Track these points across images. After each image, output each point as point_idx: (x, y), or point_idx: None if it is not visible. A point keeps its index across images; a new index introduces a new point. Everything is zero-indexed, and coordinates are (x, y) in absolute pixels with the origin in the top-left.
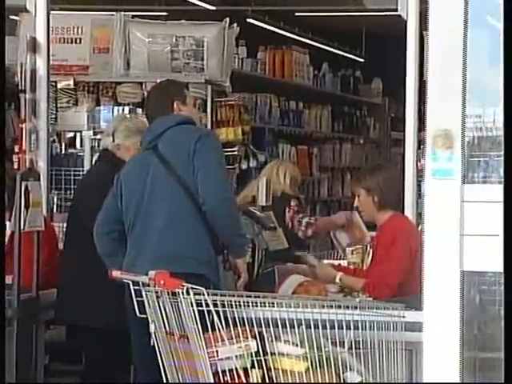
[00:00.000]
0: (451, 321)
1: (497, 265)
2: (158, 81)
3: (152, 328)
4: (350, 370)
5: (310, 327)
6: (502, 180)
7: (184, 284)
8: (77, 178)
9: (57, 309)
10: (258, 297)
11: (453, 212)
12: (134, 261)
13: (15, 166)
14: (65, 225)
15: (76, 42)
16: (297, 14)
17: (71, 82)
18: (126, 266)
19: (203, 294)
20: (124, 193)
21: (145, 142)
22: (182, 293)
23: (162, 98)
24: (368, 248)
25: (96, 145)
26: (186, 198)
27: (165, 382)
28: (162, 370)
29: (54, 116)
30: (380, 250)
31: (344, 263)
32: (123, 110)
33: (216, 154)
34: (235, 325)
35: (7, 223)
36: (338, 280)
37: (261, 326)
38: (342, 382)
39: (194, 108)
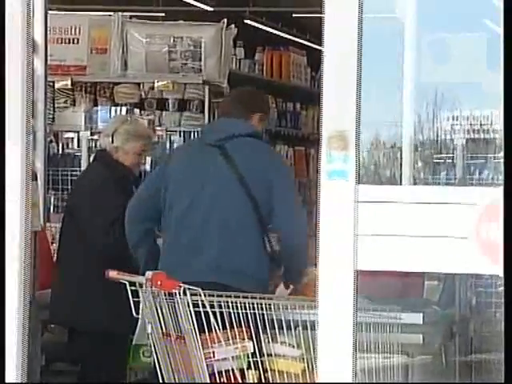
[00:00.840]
0: (344, 320)
1: (392, 263)
2: (247, 88)
3: (149, 329)
4: None
5: (307, 328)
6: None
7: (181, 285)
8: (74, 178)
9: (50, 310)
10: (255, 298)
11: (347, 212)
12: (190, 260)
13: None
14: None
15: (74, 43)
16: (294, 15)
17: (69, 83)
18: (178, 263)
19: (200, 295)
20: (173, 182)
21: (211, 138)
22: (179, 293)
23: (248, 105)
24: None
25: (93, 145)
26: (251, 209)
27: (161, 382)
28: (159, 371)
29: (51, 116)
30: None
31: None
32: (121, 110)
33: (294, 187)
34: (232, 326)
35: None
36: None
37: (257, 327)
38: None
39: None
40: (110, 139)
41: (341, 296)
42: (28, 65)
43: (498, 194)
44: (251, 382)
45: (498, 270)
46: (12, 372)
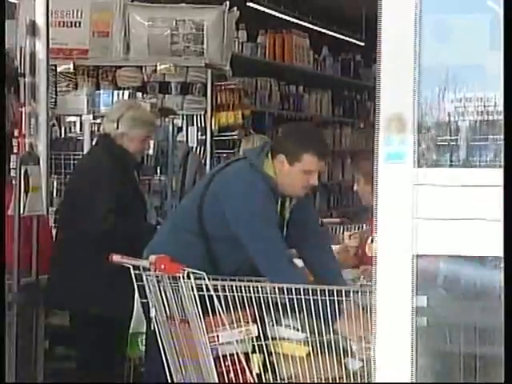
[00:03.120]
0: (403, 305)
1: (450, 247)
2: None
3: (153, 313)
4: (351, 355)
5: (311, 312)
6: (502, 164)
7: (185, 268)
8: (76, 162)
9: (46, 294)
10: (259, 281)
11: (405, 196)
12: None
13: (15, 150)
14: None
15: (75, 26)
16: None
17: (71, 66)
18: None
19: (204, 279)
20: None
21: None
22: (183, 277)
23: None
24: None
25: (96, 129)
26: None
27: (166, 367)
28: (163, 355)
29: (53, 100)
30: None
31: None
32: (123, 94)
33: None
34: (236, 309)
35: None
36: None
37: (262, 311)
38: (342, 367)
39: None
40: (115, 125)
41: (399, 281)
42: None
43: None
44: (256, 365)
45: None
46: None
